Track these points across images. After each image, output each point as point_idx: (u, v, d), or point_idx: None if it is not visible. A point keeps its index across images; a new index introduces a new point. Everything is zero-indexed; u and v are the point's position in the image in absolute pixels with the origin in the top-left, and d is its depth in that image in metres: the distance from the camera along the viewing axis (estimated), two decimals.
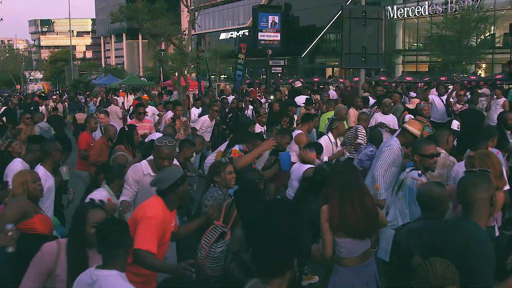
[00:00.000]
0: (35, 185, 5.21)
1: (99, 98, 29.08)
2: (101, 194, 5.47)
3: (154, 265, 4.18)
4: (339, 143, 8.96)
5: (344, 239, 4.50)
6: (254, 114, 12.84)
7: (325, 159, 7.92)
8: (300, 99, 13.67)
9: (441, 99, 13.18)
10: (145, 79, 55.70)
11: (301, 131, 8.65)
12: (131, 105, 18.33)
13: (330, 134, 8.82)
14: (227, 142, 8.41)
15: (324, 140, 8.64)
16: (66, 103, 28.34)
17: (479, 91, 16.46)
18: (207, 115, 11.79)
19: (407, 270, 3.80)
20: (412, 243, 3.90)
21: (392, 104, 11.70)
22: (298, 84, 19.12)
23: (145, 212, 4.34)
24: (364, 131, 9.63)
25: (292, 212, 2.85)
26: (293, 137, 8.42)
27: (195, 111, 14.11)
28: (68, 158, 9.01)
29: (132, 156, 7.54)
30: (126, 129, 8.34)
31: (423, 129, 8.69)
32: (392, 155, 6.78)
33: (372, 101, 12.93)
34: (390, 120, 10.93)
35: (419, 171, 5.50)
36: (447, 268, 3.14)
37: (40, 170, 5.97)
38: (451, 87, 17.40)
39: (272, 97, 15.30)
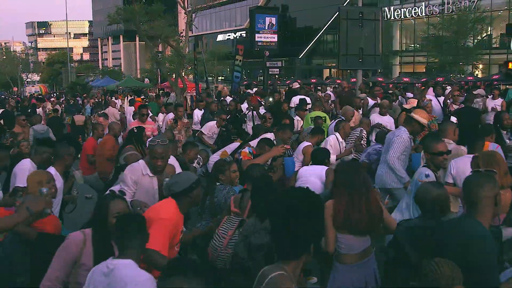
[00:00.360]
0: (50, 185, 5.21)
1: (95, 100, 29.09)
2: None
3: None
4: (344, 143, 9.13)
5: (345, 235, 4.54)
6: (253, 116, 12.82)
7: (333, 158, 8.03)
8: (296, 99, 13.71)
9: (437, 100, 13.21)
10: (148, 80, 55.31)
11: (310, 144, 8.65)
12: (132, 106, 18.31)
13: (337, 134, 8.98)
14: (234, 144, 8.55)
15: (332, 139, 8.87)
16: (63, 105, 28.29)
17: (474, 92, 16.51)
18: (215, 122, 11.72)
19: (402, 265, 3.83)
20: (411, 240, 3.93)
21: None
22: (296, 85, 19.18)
23: (159, 214, 4.40)
24: (365, 134, 9.75)
25: (311, 200, 3.03)
26: (301, 148, 8.46)
27: (198, 113, 14.00)
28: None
29: (143, 156, 7.56)
30: (135, 130, 8.37)
31: (432, 122, 8.78)
32: (403, 143, 6.93)
33: (371, 102, 12.93)
34: (387, 121, 10.96)
35: (427, 172, 5.56)
36: (454, 268, 3.17)
37: (52, 171, 5.94)
38: (449, 87, 17.45)
39: (270, 99, 15.33)
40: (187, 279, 2.54)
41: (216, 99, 19.23)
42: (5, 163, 7.13)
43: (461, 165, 5.83)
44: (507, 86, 30.55)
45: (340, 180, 4.69)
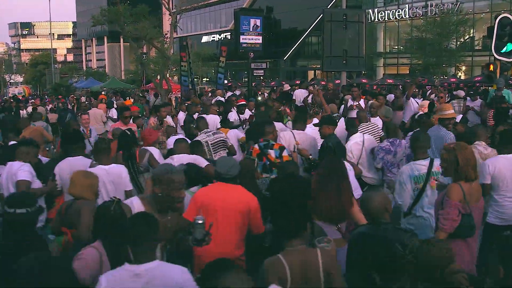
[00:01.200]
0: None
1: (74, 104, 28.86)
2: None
3: None
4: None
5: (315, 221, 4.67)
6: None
7: None
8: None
9: (417, 102, 13.27)
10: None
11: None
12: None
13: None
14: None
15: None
16: (47, 107, 28.09)
17: (454, 93, 16.61)
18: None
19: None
20: (360, 248, 3.99)
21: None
22: (287, 87, 19.35)
23: (253, 200, 4.87)
24: None
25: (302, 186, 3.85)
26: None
27: (181, 116, 13.81)
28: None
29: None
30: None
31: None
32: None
33: (351, 102, 12.95)
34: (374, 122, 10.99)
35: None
36: (441, 250, 3.24)
37: None
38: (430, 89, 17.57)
39: (259, 98, 15.41)
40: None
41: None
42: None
43: (500, 165, 5.91)
44: (488, 87, 30.90)
45: (322, 171, 4.93)
